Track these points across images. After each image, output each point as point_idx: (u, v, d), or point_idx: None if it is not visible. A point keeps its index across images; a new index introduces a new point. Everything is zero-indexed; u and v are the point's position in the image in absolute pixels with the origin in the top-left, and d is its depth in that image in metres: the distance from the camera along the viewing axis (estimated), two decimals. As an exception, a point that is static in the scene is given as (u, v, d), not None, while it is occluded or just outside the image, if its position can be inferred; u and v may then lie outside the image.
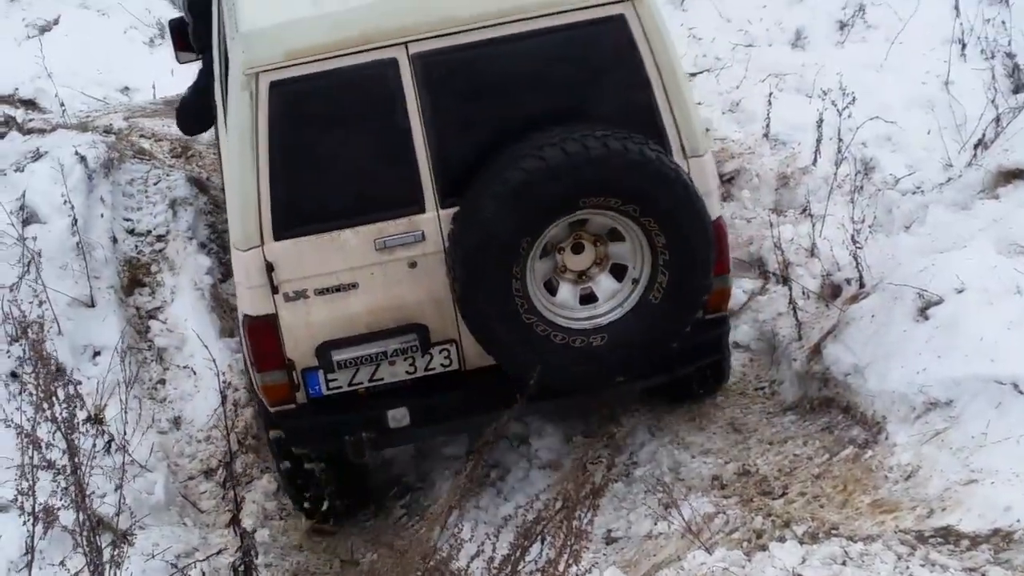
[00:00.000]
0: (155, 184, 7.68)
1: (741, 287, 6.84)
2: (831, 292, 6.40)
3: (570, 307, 5.09)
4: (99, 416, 5.78)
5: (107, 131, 8.44)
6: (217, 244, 7.40)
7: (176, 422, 6.38)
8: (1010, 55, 7.59)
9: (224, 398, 5.58)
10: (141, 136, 8.48)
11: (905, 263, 5.99)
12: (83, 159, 7.28)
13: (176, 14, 7.93)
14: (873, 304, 5.81)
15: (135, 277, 7.04)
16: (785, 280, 6.51)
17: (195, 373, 6.55)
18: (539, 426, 6.10)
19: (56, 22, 13.12)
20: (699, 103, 8.31)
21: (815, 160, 7.30)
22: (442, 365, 5.26)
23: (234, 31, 5.04)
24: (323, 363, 5.14)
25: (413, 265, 5.11)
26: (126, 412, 5.22)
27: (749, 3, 9.37)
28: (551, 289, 5.08)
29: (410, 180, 5.01)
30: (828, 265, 6.51)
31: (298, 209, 4.98)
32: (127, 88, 11.19)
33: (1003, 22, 7.83)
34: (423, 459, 6.26)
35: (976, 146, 6.90)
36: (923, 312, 5.51)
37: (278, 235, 4.98)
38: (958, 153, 7.02)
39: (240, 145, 4.92)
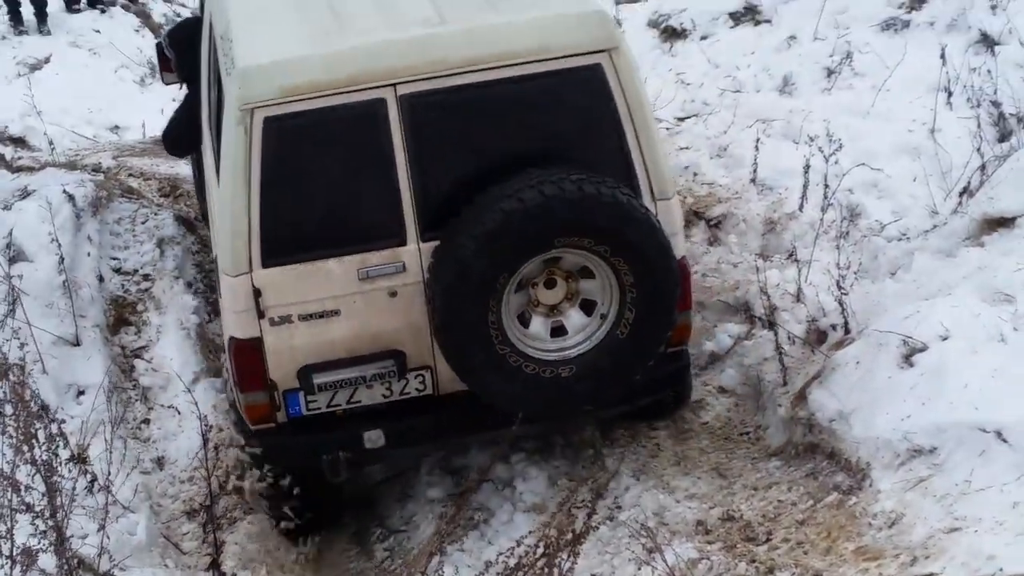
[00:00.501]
0: (143, 223, 7.68)
1: (727, 331, 6.87)
2: (817, 338, 6.42)
3: (541, 339, 5.32)
4: (83, 455, 5.73)
5: (96, 169, 8.45)
6: (204, 284, 7.39)
7: (159, 462, 6.34)
8: (996, 103, 7.63)
9: (206, 441, 5.57)
10: (130, 175, 8.49)
11: (890, 309, 6.00)
12: (71, 197, 7.28)
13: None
14: (858, 350, 5.82)
15: (121, 316, 7.03)
16: (771, 325, 6.51)
17: (179, 413, 6.52)
18: (523, 469, 6.09)
19: (47, 60, 13.19)
20: (687, 147, 8.38)
21: (802, 205, 7.32)
22: (417, 390, 5.47)
23: (230, 66, 5.21)
24: (304, 385, 5.33)
25: (393, 294, 5.30)
26: (110, 452, 5.23)
27: (737, 49, 9.45)
28: (524, 321, 5.31)
29: (393, 214, 5.21)
30: (814, 310, 6.53)
31: (286, 239, 5.16)
32: (117, 127, 11.24)
33: (989, 71, 7.87)
34: (407, 501, 6.24)
35: (961, 194, 6.93)
36: (908, 359, 5.51)
37: (266, 263, 5.16)
38: (944, 200, 7.05)
39: (233, 175, 5.07)
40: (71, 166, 8.36)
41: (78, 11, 14.92)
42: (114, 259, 7.39)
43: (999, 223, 6.29)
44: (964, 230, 6.47)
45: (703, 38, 9.94)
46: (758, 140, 7.83)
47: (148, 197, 8.21)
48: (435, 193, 5.21)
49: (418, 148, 5.16)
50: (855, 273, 6.56)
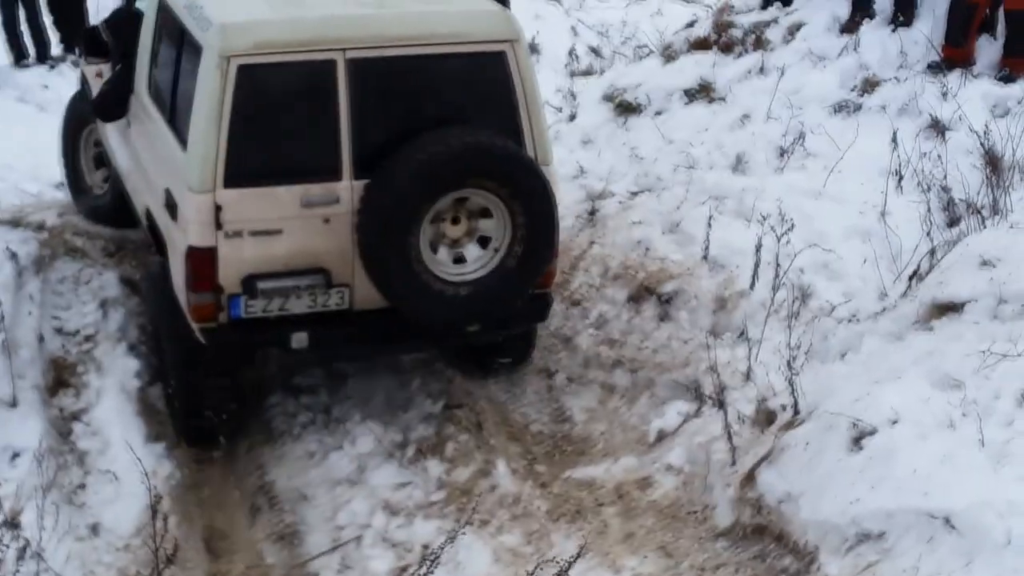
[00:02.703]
0: (86, 283, 7.57)
1: (676, 409, 6.82)
2: (766, 418, 6.39)
3: (446, 264, 6.39)
4: (15, 520, 5.59)
5: (40, 227, 8.32)
6: (147, 346, 7.27)
7: (95, 529, 6.17)
8: (945, 189, 7.71)
9: (155, 512, 5.45)
10: (75, 233, 8.36)
11: (840, 391, 5.99)
12: (14, 255, 7.18)
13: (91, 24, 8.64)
14: (808, 432, 5.80)
15: (60, 377, 6.90)
16: (721, 404, 6.48)
17: (117, 478, 6.37)
18: (469, 542, 5.98)
19: (-7, 116, 13.02)
20: (639, 222, 8.40)
21: (753, 284, 7.34)
22: (336, 304, 6.45)
23: (207, 25, 6.29)
24: (247, 290, 6.27)
25: (327, 221, 6.32)
26: (42, 517, 5.12)
27: (691, 126, 9.51)
28: (433, 249, 6.35)
29: (334, 154, 6.29)
30: (764, 390, 6.51)
31: (246, 166, 6.17)
32: (62, 184, 11.08)
33: (939, 156, 7.96)
34: (347, 572, 6.11)
35: (911, 278, 6.96)
36: (857, 442, 5.50)
37: (227, 184, 6.16)
38: (893, 284, 7.08)
39: (207, 112, 6.11)
40: (15, 223, 8.24)
41: (27, 67, 14.79)
42: (56, 319, 7.27)
43: (948, 308, 6.32)
44: (914, 314, 6.49)
45: (657, 114, 10.00)
46: (711, 217, 7.85)
47: (93, 257, 8.08)
48: (368, 141, 6.29)
49: (358, 103, 6.27)
50: (805, 354, 6.55)
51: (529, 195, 6.33)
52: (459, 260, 6.43)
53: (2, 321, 6.56)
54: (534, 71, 6.61)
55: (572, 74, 15.25)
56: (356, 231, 6.29)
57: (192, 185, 6.21)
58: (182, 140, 6.45)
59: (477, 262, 6.43)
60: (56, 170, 10.48)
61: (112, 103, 7.82)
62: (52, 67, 14.91)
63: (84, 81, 8.74)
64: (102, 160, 8.73)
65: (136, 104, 7.48)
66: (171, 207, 6.51)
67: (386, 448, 6.65)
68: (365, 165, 6.28)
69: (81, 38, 8.73)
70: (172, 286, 6.61)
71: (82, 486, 6.37)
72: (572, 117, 10.94)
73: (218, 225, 6.17)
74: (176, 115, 6.67)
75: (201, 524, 6.37)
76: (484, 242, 6.45)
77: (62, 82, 14.33)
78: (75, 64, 15.16)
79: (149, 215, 7.02)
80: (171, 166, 6.64)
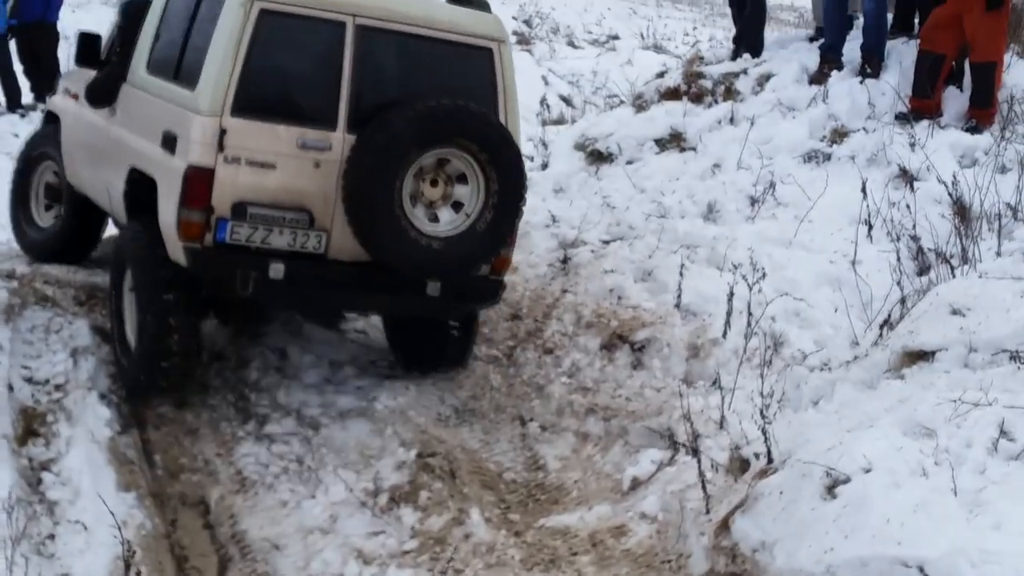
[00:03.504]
0: (57, 332, 7.53)
1: (650, 457, 6.81)
2: (740, 466, 6.38)
3: (421, 220, 6.95)
4: (-18, 572, 5.52)
5: (10, 276, 8.28)
6: (117, 395, 7.23)
7: (63, 580, 6.10)
8: (915, 238, 7.78)
9: (127, 564, 5.40)
10: (45, 282, 8.32)
11: (813, 440, 5.99)
12: (-16, 304, 7.13)
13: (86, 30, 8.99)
14: (781, 480, 5.79)
15: (30, 427, 6.82)
16: (694, 452, 6.47)
17: (87, 529, 6.28)
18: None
19: (-37, 163, 12.96)
20: (612, 270, 8.43)
21: (725, 333, 7.37)
22: (314, 247, 6.99)
23: None
24: (236, 215, 6.80)
25: (317, 165, 6.93)
26: (11, 569, 5.04)
27: (662, 175, 9.58)
28: (412, 204, 6.92)
29: (332, 105, 6.96)
30: (737, 438, 6.51)
31: (253, 99, 6.83)
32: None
33: (907, 205, 8.04)
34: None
35: (882, 326, 7.01)
36: (831, 490, 5.48)
37: (235, 112, 6.79)
38: (864, 332, 7.13)
39: (226, 46, 6.81)
40: (-16, 272, 8.21)
41: (-2, 115, 14.83)
42: (25, 368, 7.21)
43: (919, 356, 6.35)
44: (885, 362, 6.52)
45: (629, 163, 10.07)
46: (682, 266, 7.90)
47: (63, 305, 8.05)
48: (365, 100, 6.96)
49: (360, 64, 6.97)
50: (778, 402, 6.56)
51: (505, 165, 7.01)
52: (433, 220, 7.00)
53: (-29, 370, 6.50)
54: (514, 70, 7.40)
55: (544, 123, 15.30)
56: (344, 176, 6.87)
57: (202, 109, 6.83)
58: (191, 83, 7.02)
59: (449, 224, 7.01)
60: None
61: (104, 89, 8.21)
62: (23, 115, 14.95)
63: (48, 117, 9.36)
64: (53, 197, 9.14)
65: (127, 90, 7.99)
66: (170, 142, 7.01)
67: (359, 497, 6.60)
68: (359, 121, 6.91)
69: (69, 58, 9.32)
70: (154, 230, 7.06)
71: (52, 536, 6.27)
72: (544, 166, 11.01)
73: (220, 147, 6.76)
74: (184, 67, 7.26)
75: (173, 575, 6.30)
76: (457, 207, 7.03)
77: (33, 131, 14.31)
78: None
79: (131, 178, 7.44)
80: (173, 110, 7.17)
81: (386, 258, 6.96)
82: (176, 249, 6.89)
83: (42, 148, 9.25)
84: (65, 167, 8.75)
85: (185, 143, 6.88)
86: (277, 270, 6.88)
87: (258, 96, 6.85)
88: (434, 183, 6.99)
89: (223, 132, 6.76)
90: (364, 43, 6.99)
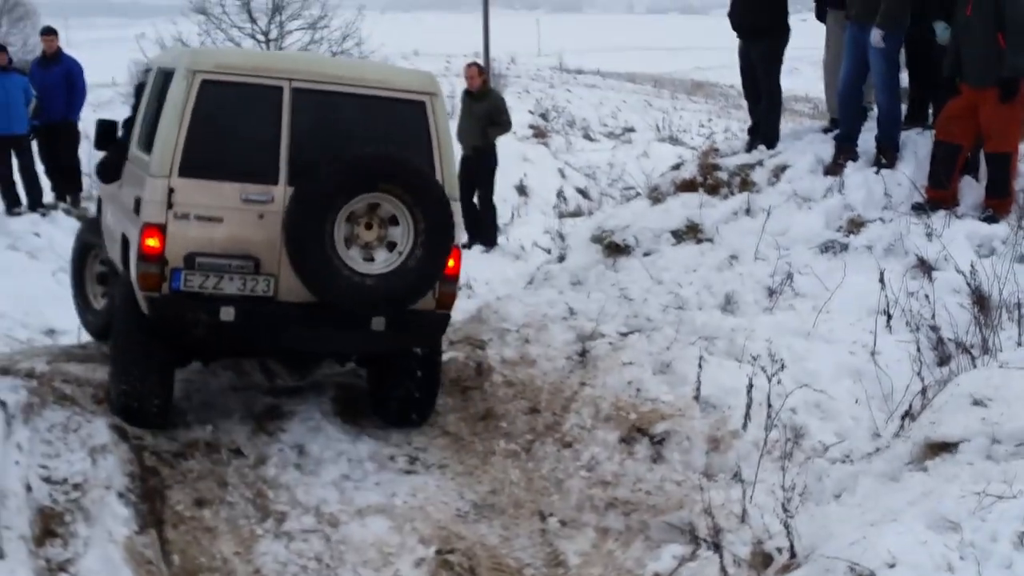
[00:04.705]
0: (75, 431, 7.51)
1: (671, 552, 6.73)
2: (762, 561, 6.31)
3: (356, 261, 7.52)
4: (-2, 675, 5.47)
5: (29, 375, 8.30)
6: (136, 494, 7.20)
7: None
8: (934, 328, 7.74)
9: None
10: (64, 381, 8.34)
11: (836, 534, 5.92)
12: (3, 404, 7.13)
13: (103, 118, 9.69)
14: (805, 575, 5.72)
15: (48, 527, 6.77)
16: (716, 547, 6.41)
17: (103, 631, 6.25)
18: None
19: (-16, 263, 13.08)
20: (630, 363, 8.41)
21: (745, 425, 7.32)
22: (263, 290, 7.60)
23: (184, 56, 7.83)
24: (188, 265, 7.43)
25: (261, 216, 7.57)
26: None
27: (679, 267, 9.60)
28: (347, 246, 7.51)
29: (273, 161, 7.60)
30: (759, 533, 6.44)
31: (198, 160, 7.47)
32: (52, 331, 11.08)
33: (926, 295, 8.02)
34: None
35: (903, 417, 6.96)
36: (855, 586, 5.42)
37: (182, 173, 7.45)
38: (886, 423, 7.07)
39: (173, 114, 7.49)
40: (3, 371, 8.22)
41: (18, 215, 14.97)
42: (43, 467, 7.18)
43: (942, 448, 6.30)
44: (907, 454, 6.46)
45: (646, 255, 10.10)
46: (701, 358, 7.87)
47: (82, 404, 8.05)
48: (303, 155, 7.57)
49: (298, 123, 7.63)
50: (800, 495, 6.51)
51: (430, 204, 7.56)
52: (368, 259, 7.57)
53: (-10, 470, 6.49)
54: (447, 120, 8.04)
55: (560, 215, 15.41)
56: (283, 224, 7.46)
57: (153, 171, 7.49)
58: (150, 147, 7.71)
59: (383, 262, 7.57)
60: (46, 317, 10.48)
61: (110, 166, 8.92)
62: (44, 215, 15.10)
63: (99, 203, 9.96)
64: (105, 279, 9.72)
65: (127, 166, 8.64)
66: (136, 204, 7.67)
67: (378, 596, 6.55)
68: (298, 174, 7.54)
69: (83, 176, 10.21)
70: (130, 280, 7.72)
71: (68, 639, 6.24)
72: (561, 258, 11.05)
73: (170, 205, 7.40)
74: (150, 137, 7.88)
75: (190, 677, 6.24)
76: (391, 247, 7.61)
77: (54, 229, 14.49)
78: (67, 212, 15.34)
79: (124, 239, 8.08)
80: (139, 177, 7.83)
81: (323, 296, 7.51)
82: (140, 298, 7.57)
83: (86, 237, 10.06)
84: (105, 246, 9.33)
85: (143, 205, 7.53)
86: (228, 312, 7.48)
87: (203, 157, 7.48)
88: (368, 226, 7.57)
89: (171, 191, 7.41)
90: (300, 104, 7.65)
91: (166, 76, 7.99)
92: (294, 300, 7.62)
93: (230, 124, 7.63)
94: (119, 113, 16.45)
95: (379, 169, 7.51)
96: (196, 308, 7.48)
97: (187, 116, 7.46)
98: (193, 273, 7.44)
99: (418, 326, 7.95)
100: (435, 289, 7.86)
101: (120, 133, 9.21)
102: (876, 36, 9.75)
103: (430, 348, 8.37)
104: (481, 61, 21.71)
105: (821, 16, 11.31)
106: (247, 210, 7.54)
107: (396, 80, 8.08)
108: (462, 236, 8.01)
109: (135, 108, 9.04)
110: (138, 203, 7.64)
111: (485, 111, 14.13)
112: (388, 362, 8.40)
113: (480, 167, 14.12)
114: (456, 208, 7.87)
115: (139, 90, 9.25)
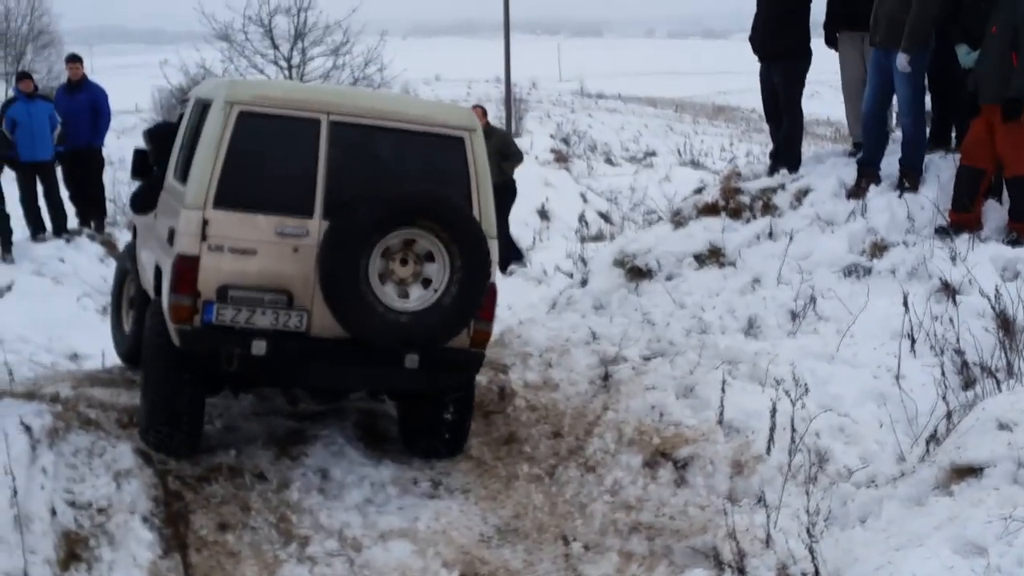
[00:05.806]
0: (100, 455, 7.53)
1: (695, 577, 6.72)
2: (787, 586, 6.28)
3: (391, 297, 7.41)
4: None
5: (54, 399, 8.34)
6: (159, 518, 7.21)
7: None
8: (959, 352, 7.71)
9: None
10: (88, 405, 8.38)
11: (862, 559, 5.90)
12: (28, 428, 7.15)
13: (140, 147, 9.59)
14: (830, 601, 5.69)
15: (73, 551, 6.79)
16: (741, 572, 6.38)
17: (127, 655, 6.25)
18: None
19: (9, 288, 13.19)
20: (653, 387, 8.40)
21: (769, 449, 7.29)
22: (295, 325, 7.50)
23: (223, 86, 7.84)
24: (220, 298, 7.36)
25: (296, 250, 7.49)
26: None
27: (702, 290, 9.59)
28: (382, 282, 7.41)
29: (309, 195, 7.53)
30: (784, 557, 6.40)
31: (233, 192, 7.41)
32: (76, 355, 11.14)
33: (950, 319, 7.99)
34: None
35: (928, 441, 6.92)
36: (881, 611, 5.39)
37: (216, 205, 7.40)
38: (911, 448, 7.04)
39: (209, 145, 7.45)
40: (29, 396, 8.26)
41: (43, 240, 15.07)
42: (68, 492, 7.20)
43: (967, 472, 6.26)
44: (933, 479, 6.42)
45: (668, 279, 10.10)
46: (724, 382, 7.85)
47: (106, 428, 8.08)
48: (340, 189, 7.49)
49: (335, 157, 7.54)
50: (825, 520, 6.47)
51: (467, 241, 7.44)
52: (403, 296, 7.45)
53: (15, 495, 6.50)
54: (486, 157, 7.90)
55: (583, 240, 15.43)
56: (317, 259, 7.37)
57: (188, 203, 7.45)
58: (186, 178, 7.64)
59: (418, 299, 7.46)
60: (70, 342, 10.55)
61: (145, 197, 8.99)
62: (68, 240, 15.18)
63: (133, 231, 10.09)
64: (133, 303, 9.76)
65: (163, 196, 8.62)
66: (171, 235, 7.65)
67: (401, 621, 6.54)
68: (334, 208, 7.45)
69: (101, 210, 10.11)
70: (162, 310, 7.65)
71: (92, 664, 6.25)
72: (584, 282, 11.05)
73: (203, 237, 7.35)
74: (186, 168, 7.81)
75: None
76: (426, 284, 7.50)
77: (78, 255, 14.58)
78: (91, 238, 15.44)
79: (157, 269, 8.07)
80: (174, 207, 7.76)
81: (356, 332, 7.40)
82: (171, 330, 7.50)
83: (123, 263, 10.23)
84: (139, 274, 9.39)
85: (177, 236, 7.49)
86: (259, 347, 7.39)
87: (239, 189, 7.41)
88: (404, 262, 7.46)
89: (205, 223, 7.36)
90: (338, 137, 7.57)
91: (204, 107, 7.98)
92: (327, 335, 7.52)
93: (266, 156, 7.56)
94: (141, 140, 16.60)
95: (416, 205, 7.41)
96: (228, 342, 7.39)
97: (223, 148, 7.42)
98: (226, 306, 7.37)
99: (452, 364, 7.81)
100: (470, 327, 7.73)
101: (147, 148, 9.24)
102: (902, 60, 9.74)
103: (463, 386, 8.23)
104: (502, 86, 21.78)
105: (831, 42, 11.24)
106: (281, 243, 7.45)
107: (435, 115, 7.97)
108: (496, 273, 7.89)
109: (157, 140, 9.02)
110: (172, 234, 7.61)
111: (494, 148, 14.19)
112: (420, 397, 8.26)
113: (499, 202, 14.26)
114: (493, 246, 7.72)
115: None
